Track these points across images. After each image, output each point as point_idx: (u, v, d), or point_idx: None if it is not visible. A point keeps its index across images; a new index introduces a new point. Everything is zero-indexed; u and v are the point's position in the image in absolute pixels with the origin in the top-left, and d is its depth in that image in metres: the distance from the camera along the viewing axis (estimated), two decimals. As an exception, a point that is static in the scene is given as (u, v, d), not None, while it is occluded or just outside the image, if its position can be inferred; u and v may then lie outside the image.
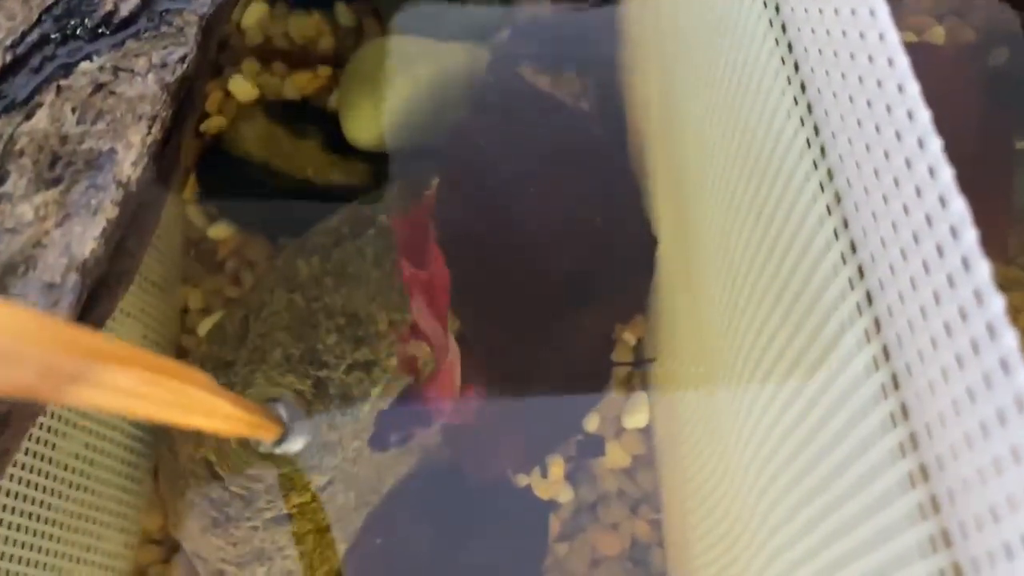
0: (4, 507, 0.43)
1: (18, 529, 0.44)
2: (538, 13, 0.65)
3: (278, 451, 0.49)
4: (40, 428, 0.45)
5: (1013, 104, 0.58)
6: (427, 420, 0.50)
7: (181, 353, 0.59)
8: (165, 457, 0.53)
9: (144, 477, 0.56)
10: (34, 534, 0.45)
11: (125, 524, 0.54)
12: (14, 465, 0.43)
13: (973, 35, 0.60)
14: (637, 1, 0.61)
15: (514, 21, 0.64)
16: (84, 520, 0.49)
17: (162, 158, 0.43)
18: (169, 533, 0.54)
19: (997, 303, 0.18)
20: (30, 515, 0.45)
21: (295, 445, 0.49)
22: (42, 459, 0.46)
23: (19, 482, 0.44)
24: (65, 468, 0.48)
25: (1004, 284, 0.55)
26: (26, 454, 0.44)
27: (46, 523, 0.46)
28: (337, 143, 0.62)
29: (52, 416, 0.46)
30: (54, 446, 0.47)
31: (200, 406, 0.33)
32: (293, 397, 0.50)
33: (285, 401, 0.49)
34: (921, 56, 0.62)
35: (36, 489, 0.45)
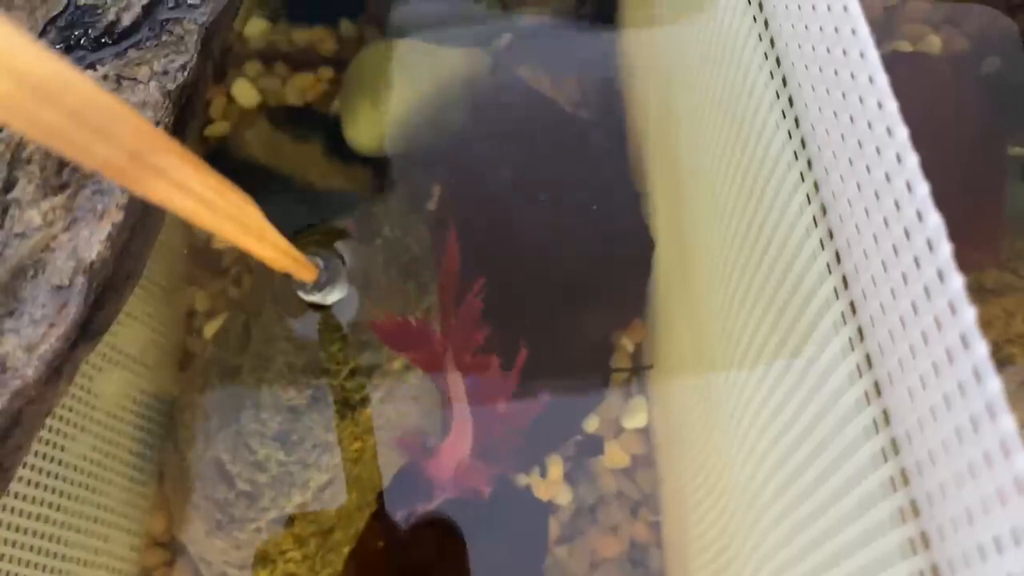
0: (12, 509, 0.43)
1: (25, 532, 0.44)
2: (539, 20, 0.66)
3: (316, 299, 0.53)
4: (48, 431, 0.46)
5: (1006, 111, 0.58)
6: (428, 495, 0.52)
7: (187, 357, 0.59)
8: (171, 460, 0.54)
9: (149, 480, 0.56)
10: (41, 536, 0.46)
11: (131, 526, 0.55)
12: (22, 466, 0.44)
13: (967, 43, 0.61)
14: (635, 10, 0.62)
15: (515, 28, 0.65)
16: (91, 522, 0.50)
17: (165, 163, 0.44)
18: (174, 536, 0.55)
19: (969, 314, 0.19)
20: (37, 517, 0.45)
21: (332, 295, 0.53)
22: (50, 461, 0.46)
23: (27, 484, 0.45)
24: (73, 470, 0.48)
25: (998, 288, 0.55)
26: (34, 456, 0.45)
27: (53, 525, 0.47)
28: (339, 148, 0.63)
29: (60, 419, 0.47)
30: (62, 448, 0.47)
31: (255, 227, 0.36)
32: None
33: (324, 256, 0.54)
34: (916, 65, 0.63)
35: (44, 491, 0.46)
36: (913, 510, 0.22)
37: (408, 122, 0.61)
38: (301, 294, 0.53)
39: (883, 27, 0.60)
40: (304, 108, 0.65)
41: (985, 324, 0.51)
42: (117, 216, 0.40)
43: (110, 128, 0.25)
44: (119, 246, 0.41)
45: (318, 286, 0.52)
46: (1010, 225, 0.54)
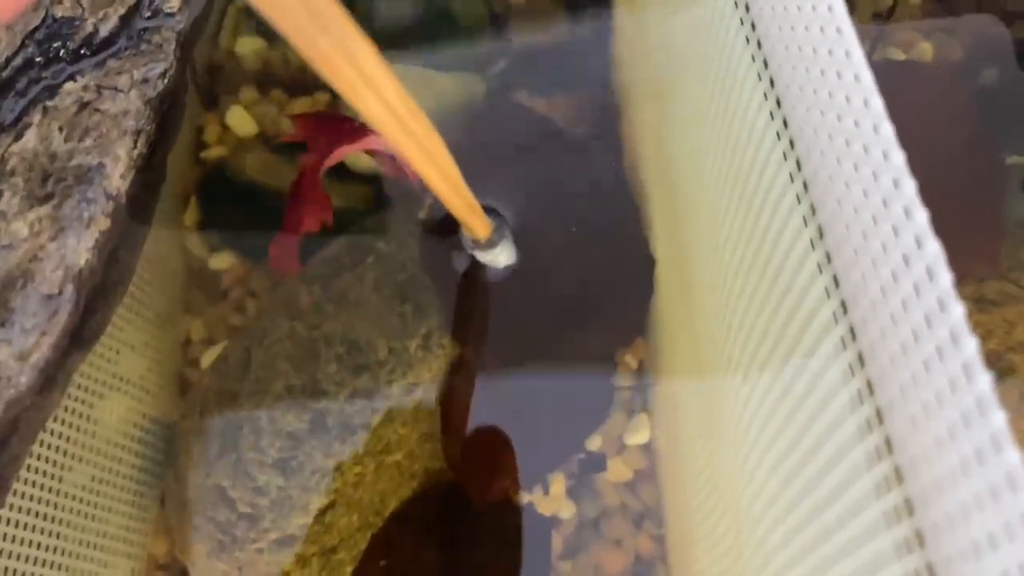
0: (11, 537, 0.43)
1: (24, 559, 0.44)
2: (532, 39, 0.66)
3: (487, 259, 0.53)
4: (46, 461, 0.46)
5: (1003, 120, 0.58)
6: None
7: (184, 386, 0.59)
8: (172, 486, 0.54)
9: (151, 504, 0.56)
10: (42, 564, 0.45)
11: (132, 551, 0.54)
12: (21, 496, 0.44)
13: (961, 52, 0.61)
14: (629, 28, 0.62)
15: (510, 50, 0.65)
16: (92, 548, 0.50)
17: (149, 170, 0.44)
18: (176, 558, 0.55)
19: (970, 345, 0.19)
20: (38, 545, 0.45)
21: (503, 257, 0.54)
22: (50, 491, 0.46)
23: (27, 513, 0.44)
24: (73, 499, 0.48)
25: (998, 298, 0.55)
26: (33, 486, 0.45)
27: (53, 552, 0.46)
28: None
29: (58, 450, 0.47)
30: (61, 479, 0.47)
31: (439, 156, 0.37)
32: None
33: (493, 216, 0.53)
34: (909, 74, 0.63)
35: (44, 519, 0.46)
36: (919, 540, 0.22)
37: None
38: (475, 252, 0.53)
39: (875, 35, 0.60)
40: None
41: (986, 334, 0.51)
42: (104, 224, 0.41)
43: (321, 14, 0.27)
44: (107, 254, 0.42)
45: (488, 244, 0.51)
46: (1010, 235, 0.54)
